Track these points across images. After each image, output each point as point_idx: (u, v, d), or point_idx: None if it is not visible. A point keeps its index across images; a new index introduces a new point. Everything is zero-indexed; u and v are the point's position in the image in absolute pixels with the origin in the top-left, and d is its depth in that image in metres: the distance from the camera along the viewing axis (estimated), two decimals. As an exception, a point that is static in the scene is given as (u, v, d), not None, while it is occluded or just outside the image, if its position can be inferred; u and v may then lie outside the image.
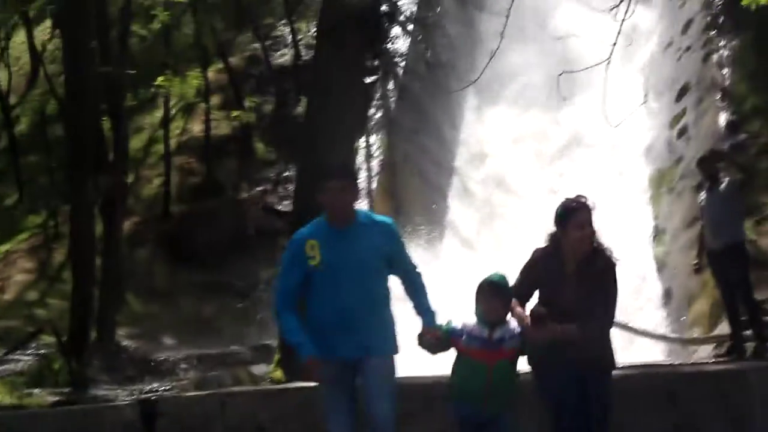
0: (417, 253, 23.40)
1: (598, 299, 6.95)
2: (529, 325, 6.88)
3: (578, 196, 7.21)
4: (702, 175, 13.18)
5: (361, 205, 23.31)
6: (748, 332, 12.35)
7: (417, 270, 7.23)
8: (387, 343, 7.03)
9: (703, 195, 12.78)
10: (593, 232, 7.06)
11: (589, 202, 7.13)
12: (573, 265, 7.07)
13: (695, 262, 13.07)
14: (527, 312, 7.06)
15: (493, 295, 6.95)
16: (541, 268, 7.18)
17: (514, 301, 7.05)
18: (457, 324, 7.04)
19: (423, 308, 7.07)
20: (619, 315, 17.18)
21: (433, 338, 7.00)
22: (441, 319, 7.11)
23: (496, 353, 6.90)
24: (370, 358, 6.85)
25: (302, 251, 6.96)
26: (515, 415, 7.09)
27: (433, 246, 22.65)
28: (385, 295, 7.07)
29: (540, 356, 7.03)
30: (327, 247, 6.91)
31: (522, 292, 7.17)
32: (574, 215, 7.05)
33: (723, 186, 12.35)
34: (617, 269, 7.09)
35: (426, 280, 7.21)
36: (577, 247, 7.06)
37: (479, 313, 6.99)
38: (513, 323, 7.00)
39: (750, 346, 12.16)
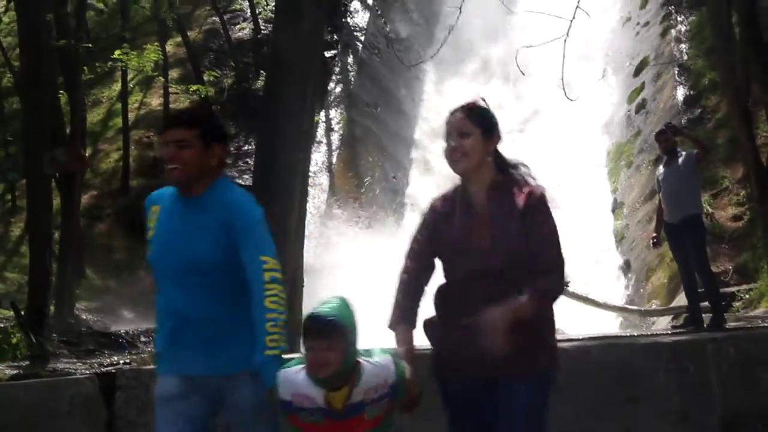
0: (378, 227, 23.55)
1: (533, 239, 4.70)
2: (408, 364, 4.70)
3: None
4: (660, 149, 13.25)
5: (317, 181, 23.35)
6: (705, 304, 12.48)
7: (263, 274, 4.84)
8: (233, 359, 4.88)
9: (660, 168, 12.87)
10: (463, 147, 4.87)
11: (478, 103, 4.97)
12: (482, 201, 4.86)
13: (653, 235, 13.17)
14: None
15: (316, 338, 4.51)
16: (442, 217, 4.96)
17: (394, 315, 4.87)
18: (285, 391, 4.62)
19: (255, 350, 4.79)
20: (579, 287, 17.48)
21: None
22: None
23: (351, 425, 4.62)
24: (229, 383, 4.91)
25: (148, 214, 5.19)
26: None
27: (394, 219, 22.73)
28: (232, 298, 4.92)
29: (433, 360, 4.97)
30: (164, 220, 5.11)
31: (420, 262, 4.92)
32: (446, 123, 5.03)
33: (681, 159, 12.44)
34: (546, 200, 4.85)
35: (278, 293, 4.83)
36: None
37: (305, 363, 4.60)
38: (380, 363, 4.65)
39: (707, 317, 12.28)
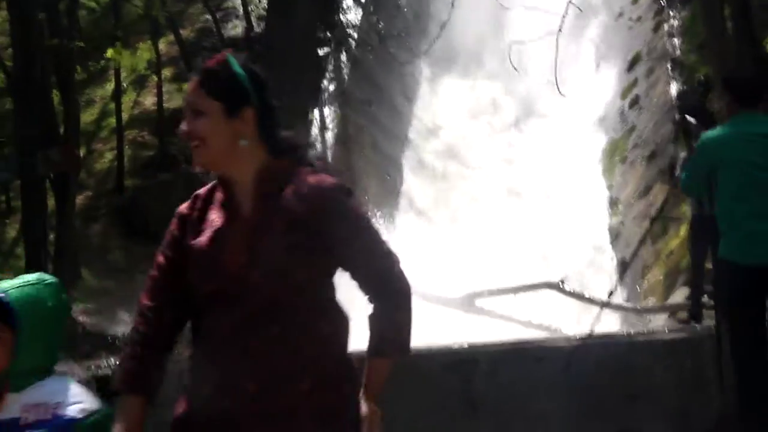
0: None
1: (348, 255, 3.30)
2: None
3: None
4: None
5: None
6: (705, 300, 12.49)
7: None
8: None
9: (681, 155, 12.55)
10: (197, 132, 3.34)
11: (221, 63, 3.57)
12: (247, 200, 3.38)
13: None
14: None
15: None
16: (191, 227, 3.55)
17: (117, 377, 3.55)
18: None
19: None
20: (575, 285, 17.47)
21: None
22: None
23: None
24: None
25: None
26: None
27: (388, 218, 22.71)
28: None
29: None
30: None
31: (160, 298, 3.45)
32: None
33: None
34: (347, 192, 3.39)
35: None
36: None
37: None
38: (70, 386, 3.58)
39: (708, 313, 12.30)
